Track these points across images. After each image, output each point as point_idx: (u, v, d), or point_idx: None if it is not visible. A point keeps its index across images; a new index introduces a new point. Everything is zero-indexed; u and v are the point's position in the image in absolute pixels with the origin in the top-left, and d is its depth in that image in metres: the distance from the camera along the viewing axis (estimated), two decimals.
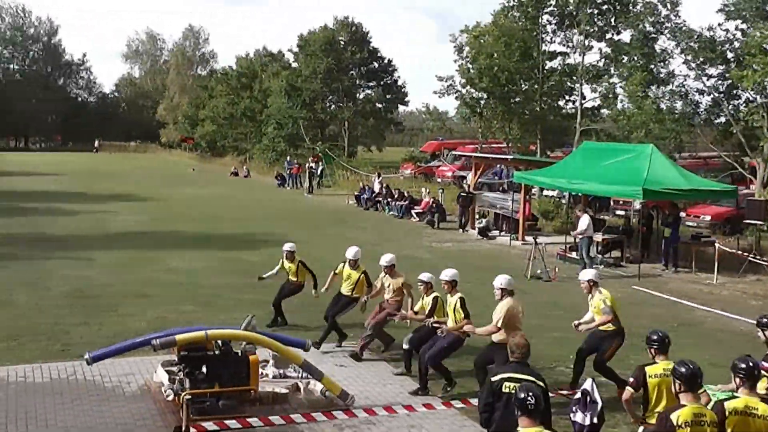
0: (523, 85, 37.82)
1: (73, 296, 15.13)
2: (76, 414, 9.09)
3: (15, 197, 33.15)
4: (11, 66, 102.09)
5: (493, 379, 6.71)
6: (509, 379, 6.57)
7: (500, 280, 9.85)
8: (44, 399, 9.54)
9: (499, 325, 9.54)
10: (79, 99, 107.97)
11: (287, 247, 13.38)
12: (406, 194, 32.20)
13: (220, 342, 9.51)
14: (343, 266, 12.55)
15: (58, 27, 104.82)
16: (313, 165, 43.24)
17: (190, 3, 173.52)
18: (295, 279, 13.35)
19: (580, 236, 20.30)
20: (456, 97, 39.49)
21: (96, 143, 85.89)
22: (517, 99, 37.70)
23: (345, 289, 12.43)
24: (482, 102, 38.33)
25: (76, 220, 26.44)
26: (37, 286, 15.97)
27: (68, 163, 58.45)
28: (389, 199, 32.38)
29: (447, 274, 10.50)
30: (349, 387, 9.88)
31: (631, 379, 7.24)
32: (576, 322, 10.58)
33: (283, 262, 13.44)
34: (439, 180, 43.02)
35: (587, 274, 10.63)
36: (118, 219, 27.15)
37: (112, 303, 14.64)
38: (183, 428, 7.88)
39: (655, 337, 7.50)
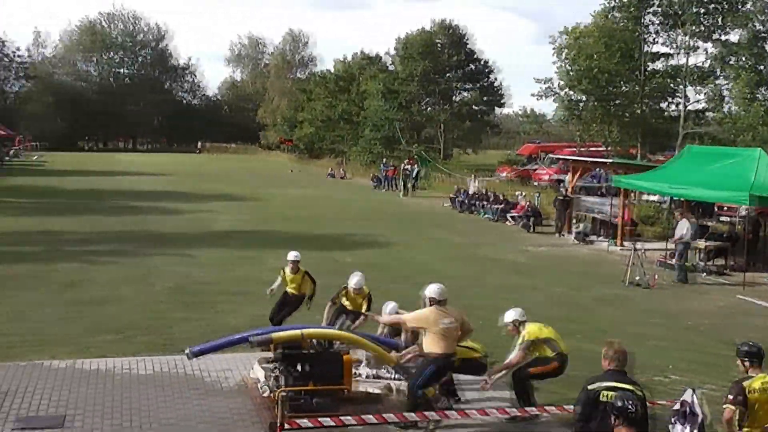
0: (623, 87, 37.01)
1: (176, 292, 15.61)
2: (176, 407, 9.36)
3: (125, 196, 34.47)
4: (122, 70, 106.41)
5: (590, 387, 6.54)
6: (607, 388, 6.39)
7: (430, 289, 9.17)
8: (147, 391, 9.86)
9: (404, 319, 9.34)
10: (184, 102, 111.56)
11: (292, 256, 12.04)
12: (501, 197, 31.92)
13: (315, 341, 9.63)
14: (345, 294, 11.34)
15: (165, 32, 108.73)
16: (408, 167, 43.36)
17: (292, 8, 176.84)
18: (296, 292, 12.06)
19: (678, 241, 19.69)
20: (554, 100, 39.00)
21: (199, 144, 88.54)
22: (618, 101, 36.89)
23: (348, 306, 11.43)
24: (581, 104, 37.67)
25: (181, 219, 27.25)
26: (142, 282, 16.55)
27: (173, 164, 60.39)
28: (484, 202, 32.15)
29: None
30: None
31: (730, 396, 6.80)
32: (486, 377, 9.58)
33: (284, 272, 12.12)
34: (535, 183, 42.41)
35: (508, 317, 9.54)
36: (219, 218, 27.84)
37: (213, 300, 15.03)
38: (278, 425, 7.99)
39: (746, 349, 7.07)
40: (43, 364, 10.79)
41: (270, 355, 9.77)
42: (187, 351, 9.43)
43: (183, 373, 10.57)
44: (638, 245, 19.56)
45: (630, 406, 5.45)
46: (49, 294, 15.11)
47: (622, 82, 36.68)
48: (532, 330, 9.38)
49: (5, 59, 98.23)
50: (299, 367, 9.23)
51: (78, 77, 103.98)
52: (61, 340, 12.00)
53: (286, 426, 8.00)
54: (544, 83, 38.33)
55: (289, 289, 12.17)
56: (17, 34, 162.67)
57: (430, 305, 9.11)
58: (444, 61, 62.19)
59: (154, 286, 16.13)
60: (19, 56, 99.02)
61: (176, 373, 10.59)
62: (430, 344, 8.99)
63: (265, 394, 9.35)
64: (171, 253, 20.13)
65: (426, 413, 8.63)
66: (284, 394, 8.64)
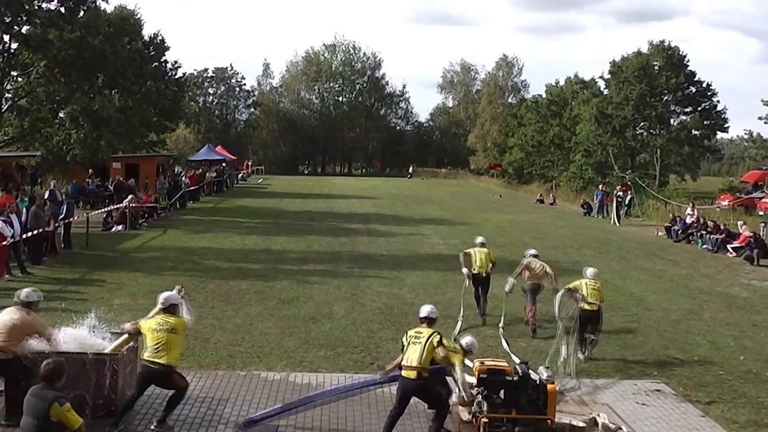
0: None
1: (384, 312, 15.99)
2: (381, 425, 9.57)
3: (339, 218, 35.88)
4: (340, 98, 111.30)
5: None
6: None
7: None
8: (354, 407, 10.19)
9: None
10: (398, 128, 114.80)
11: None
12: (722, 227, 30.01)
13: (519, 368, 9.53)
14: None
15: (381, 61, 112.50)
16: (621, 194, 41.90)
17: (502, 34, 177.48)
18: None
19: None
20: None
21: (410, 169, 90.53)
22: None
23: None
24: None
25: (391, 241, 27.93)
26: (353, 301, 17.11)
27: (384, 188, 62.08)
28: (703, 232, 30.37)
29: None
30: (652, 428, 9.39)
31: None
32: None
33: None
34: (761, 213, 39.62)
35: None
36: (427, 241, 28.25)
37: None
38: None
39: None
40: (260, 375, 11.49)
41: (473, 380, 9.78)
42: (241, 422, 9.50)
43: (389, 392, 10.80)
44: None
45: None
46: (269, 309, 16.01)
47: None
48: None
49: (236, 89, 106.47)
50: (502, 394, 9.17)
51: (301, 105, 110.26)
52: (277, 353, 12.70)
53: None
54: None
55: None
56: (247, 65, 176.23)
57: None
58: (661, 83, 59.73)
59: (363, 306, 16.63)
60: (247, 87, 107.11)
61: (382, 391, 10.84)
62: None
63: (466, 418, 9.37)
64: (380, 275, 20.64)
65: None
66: (486, 420, 8.62)
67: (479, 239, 16.57)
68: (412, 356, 8.95)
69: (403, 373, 8.98)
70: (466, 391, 9.23)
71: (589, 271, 13.76)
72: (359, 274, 20.61)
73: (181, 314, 9.50)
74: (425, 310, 9.57)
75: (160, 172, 41.95)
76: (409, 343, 9.12)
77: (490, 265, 15.73)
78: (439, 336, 9.07)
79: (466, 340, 9.95)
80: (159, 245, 25.29)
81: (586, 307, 12.71)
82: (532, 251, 15.73)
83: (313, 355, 12.71)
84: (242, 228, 30.38)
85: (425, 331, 9.16)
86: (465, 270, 15.56)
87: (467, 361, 9.66)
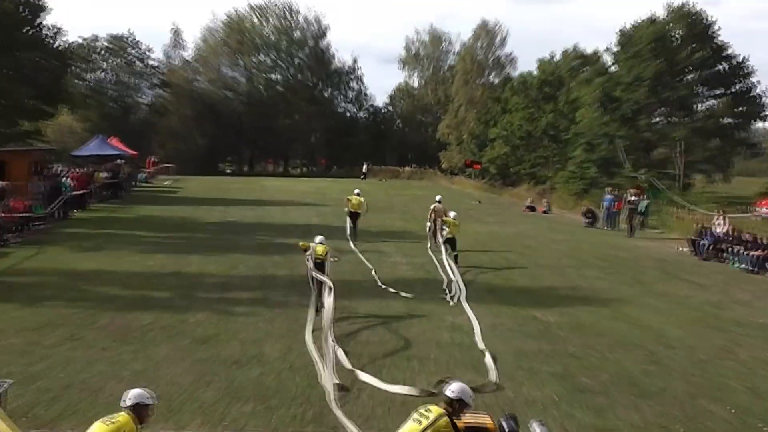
0: None
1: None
2: None
3: (272, 231, 35.64)
4: (273, 76, 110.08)
5: None
6: None
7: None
8: None
9: None
10: (348, 114, 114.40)
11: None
12: (761, 241, 30.48)
13: (505, 425, 9.47)
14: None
15: (326, 28, 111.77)
16: (634, 198, 42.29)
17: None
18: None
19: None
20: None
21: (364, 168, 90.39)
22: None
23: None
24: None
25: (339, 261, 27.77)
26: (290, 339, 16.95)
27: (331, 192, 61.72)
28: (738, 248, 30.81)
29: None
30: None
31: None
32: None
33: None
34: None
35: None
36: (387, 261, 28.16)
37: (379, 363, 15.11)
38: None
39: None
40: None
41: None
42: None
43: None
44: None
45: None
46: (180, 350, 15.81)
47: None
48: None
49: (137, 63, 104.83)
50: None
51: (222, 85, 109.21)
52: (191, 408, 12.53)
53: None
54: None
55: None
56: (152, 34, 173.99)
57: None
58: (682, 59, 60.41)
59: (305, 346, 16.47)
60: (153, 60, 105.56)
61: None
62: None
63: None
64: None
65: None
66: None
67: (356, 191, 34.50)
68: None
69: None
70: None
71: (452, 213, 29.30)
72: (298, 304, 20.42)
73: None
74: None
75: (35, 172, 41.33)
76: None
77: (364, 207, 33.44)
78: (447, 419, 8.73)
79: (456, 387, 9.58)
80: (34, 267, 24.89)
81: (449, 236, 27.59)
82: (438, 198, 33.43)
83: (238, 410, 12.55)
84: (145, 244, 30.07)
85: (435, 410, 8.80)
86: (346, 209, 32.86)
87: None
